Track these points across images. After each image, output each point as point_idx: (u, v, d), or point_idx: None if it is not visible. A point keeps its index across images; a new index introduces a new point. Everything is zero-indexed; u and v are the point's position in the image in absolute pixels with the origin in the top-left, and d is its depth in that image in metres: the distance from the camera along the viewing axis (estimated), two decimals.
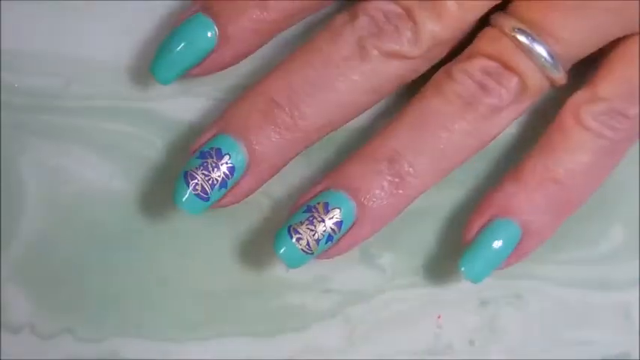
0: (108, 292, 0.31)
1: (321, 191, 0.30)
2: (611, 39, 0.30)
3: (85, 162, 0.32)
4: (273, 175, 0.30)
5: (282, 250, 0.29)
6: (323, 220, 0.30)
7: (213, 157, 0.29)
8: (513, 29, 0.29)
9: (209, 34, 0.30)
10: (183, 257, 0.32)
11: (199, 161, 0.29)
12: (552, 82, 0.30)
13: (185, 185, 0.29)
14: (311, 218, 0.30)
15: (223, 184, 0.29)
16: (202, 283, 0.32)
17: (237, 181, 0.30)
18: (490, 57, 0.29)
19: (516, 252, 0.30)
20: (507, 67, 0.29)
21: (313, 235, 0.29)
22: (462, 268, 0.30)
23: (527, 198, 0.30)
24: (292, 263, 0.30)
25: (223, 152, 0.29)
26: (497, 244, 0.30)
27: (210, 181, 0.29)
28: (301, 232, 0.29)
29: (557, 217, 0.30)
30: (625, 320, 0.31)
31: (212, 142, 0.30)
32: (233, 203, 0.30)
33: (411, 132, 0.30)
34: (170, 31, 0.30)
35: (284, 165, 0.30)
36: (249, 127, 0.29)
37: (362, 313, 0.32)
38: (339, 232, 0.30)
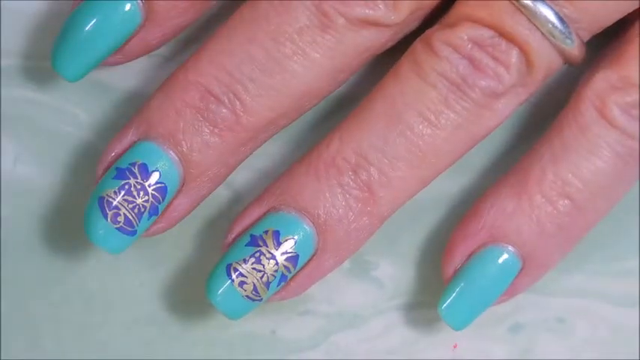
0: None
1: (265, 213, 0.25)
2: (636, 7, 0.25)
3: None
4: (214, 189, 0.26)
5: (219, 297, 0.25)
6: (273, 257, 0.25)
7: (137, 177, 0.25)
8: None
9: (128, 7, 0.25)
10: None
11: (118, 182, 0.25)
12: (566, 59, 0.25)
13: (102, 216, 0.25)
14: (257, 254, 0.25)
15: (153, 210, 0.25)
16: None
17: (169, 203, 0.26)
18: (481, 22, 0.24)
19: (510, 288, 0.26)
20: (504, 35, 0.24)
21: (261, 276, 0.25)
22: (442, 310, 0.26)
23: (531, 219, 0.25)
24: (233, 313, 0.25)
25: (150, 169, 0.25)
26: (488, 280, 0.26)
27: (136, 210, 0.25)
28: (245, 273, 0.25)
29: (567, 242, 0.26)
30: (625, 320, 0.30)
31: (133, 154, 0.25)
32: (166, 229, 0.26)
33: (380, 127, 0.25)
34: (74, 8, 0.25)
35: (228, 174, 0.26)
36: (179, 129, 0.25)
37: (352, 343, 0.28)
38: (295, 269, 0.25)
